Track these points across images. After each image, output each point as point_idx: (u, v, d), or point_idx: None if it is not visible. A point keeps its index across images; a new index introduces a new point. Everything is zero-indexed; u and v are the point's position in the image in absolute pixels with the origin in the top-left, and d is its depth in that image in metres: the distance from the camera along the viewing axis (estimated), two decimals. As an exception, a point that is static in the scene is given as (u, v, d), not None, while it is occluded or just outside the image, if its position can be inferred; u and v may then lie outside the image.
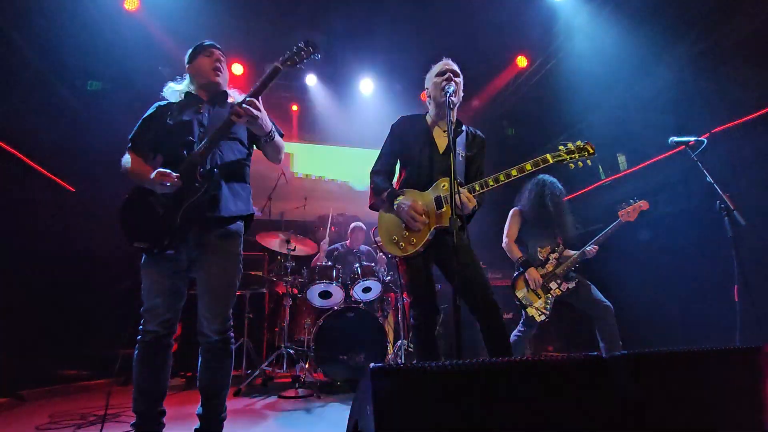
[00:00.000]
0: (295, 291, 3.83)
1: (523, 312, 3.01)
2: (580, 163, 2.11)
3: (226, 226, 1.84)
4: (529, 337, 3.10)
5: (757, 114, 3.31)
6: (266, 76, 1.91)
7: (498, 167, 2.12)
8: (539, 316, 2.95)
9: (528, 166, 2.01)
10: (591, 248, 3.00)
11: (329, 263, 3.76)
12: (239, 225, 1.91)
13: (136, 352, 1.79)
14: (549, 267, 3.02)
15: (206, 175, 1.75)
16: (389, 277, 3.96)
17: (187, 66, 2.03)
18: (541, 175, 3.11)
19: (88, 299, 4.27)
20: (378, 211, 2.21)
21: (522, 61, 5.86)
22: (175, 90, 1.99)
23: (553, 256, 3.03)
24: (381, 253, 4.30)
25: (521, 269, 3.06)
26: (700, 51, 3.91)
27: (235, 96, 2.06)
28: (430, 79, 2.23)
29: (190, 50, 2.04)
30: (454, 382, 1.01)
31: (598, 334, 2.87)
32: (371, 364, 0.99)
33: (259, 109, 1.80)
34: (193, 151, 1.78)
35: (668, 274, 3.96)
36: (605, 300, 2.88)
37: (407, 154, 2.21)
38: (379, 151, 2.33)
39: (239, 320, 3.88)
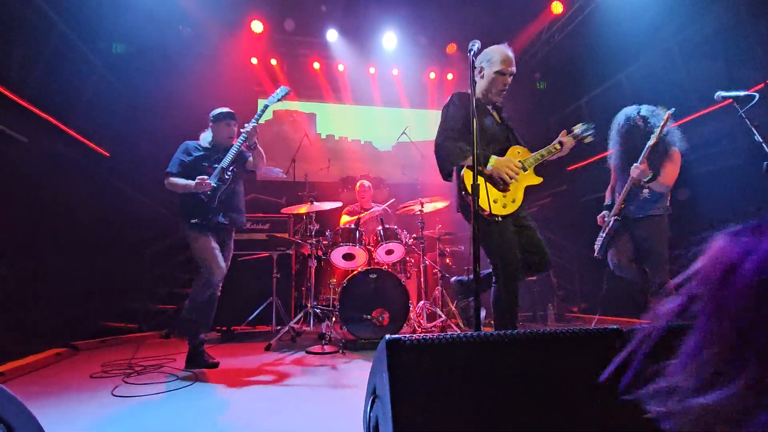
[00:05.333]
0: (320, 253, 3.93)
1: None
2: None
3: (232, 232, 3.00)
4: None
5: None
6: (261, 111, 2.89)
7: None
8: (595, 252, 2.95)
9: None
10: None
11: (353, 226, 3.81)
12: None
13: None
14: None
15: (229, 175, 2.81)
16: (411, 240, 3.98)
17: (210, 124, 2.93)
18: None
19: (129, 259, 4.55)
20: (448, 180, 2.18)
21: (557, 7, 5.42)
22: (207, 140, 2.93)
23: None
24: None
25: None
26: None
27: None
28: (489, 65, 2.22)
29: (214, 112, 2.91)
30: (468, 353, 1.03)
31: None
32: (386, 336, 1.01)
33: (255, 137, 2.84)
34: (220, 165, 2.81)
35: (708, 235, 3.78)
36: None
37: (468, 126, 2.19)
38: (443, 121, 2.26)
39: (268, 280, 4.05)
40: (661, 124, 2.59)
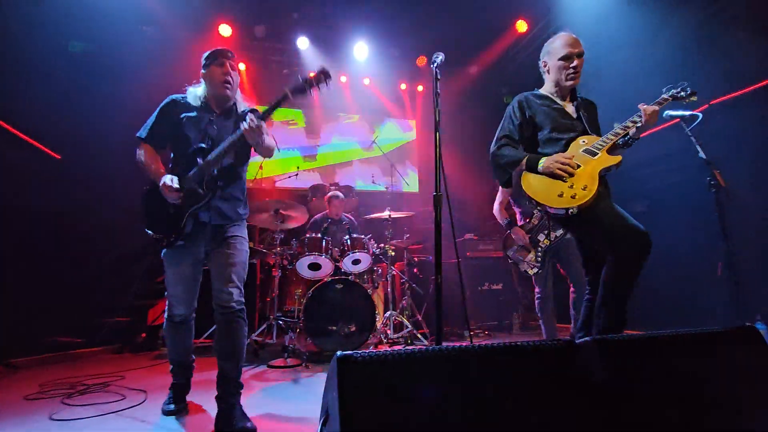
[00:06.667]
0: (285, 262, 3.83)
1: (532, 276, 3.09)
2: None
3: (231, 225, 2.16)
4: (550, 295, 3.10)
5: (757, 86, 3.20)
6: (276, 101, 2.02)
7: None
8: (531, 269, 3.04)
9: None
10: None
11: (318, 235, 3.74)
12: (242, 221, 2.22)
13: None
14: (534, 221, 3.08)
15: (210, 186, 2.04)
16: (378, 250, 3.96)
17: (201, 71, 2.16)
18: None
19: (77, 269, 4.27)
20: (508, 186, 2.13)
21: (522, 26, 5.63)
22: (195, 95, 2.15)
23: (536, 209, 3.02)
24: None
25: (508, 230, 3.18)
26: (704, 17, 3.74)
27: (239, 101, 2.23)
28: (551, 55, 2.18)
29: (205, 54, 2.15)
30: (422, 368, 1.00)
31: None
32: (338, 353, 0.98)
33: (263, 134, 1.97)
34: (205, 159, 2.01)
35: (658, 248, 3.96)
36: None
37: (535, 125, 2.16)
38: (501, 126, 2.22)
39: (229, 291, 3.89)
40: None
